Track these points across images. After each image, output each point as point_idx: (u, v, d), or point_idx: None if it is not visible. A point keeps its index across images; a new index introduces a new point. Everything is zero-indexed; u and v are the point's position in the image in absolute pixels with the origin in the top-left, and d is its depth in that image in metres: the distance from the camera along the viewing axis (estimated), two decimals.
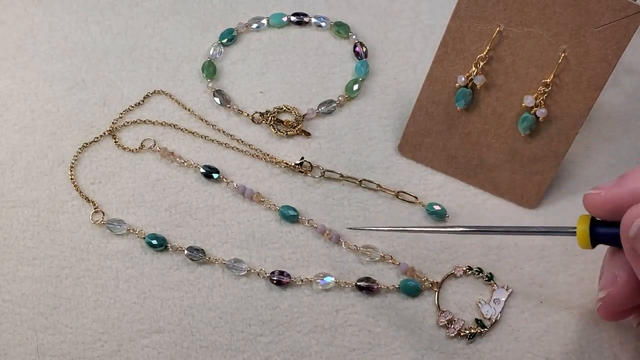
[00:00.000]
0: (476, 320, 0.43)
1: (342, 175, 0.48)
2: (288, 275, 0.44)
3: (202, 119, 0.50)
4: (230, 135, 0.50)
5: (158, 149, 0.49)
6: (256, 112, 0.50)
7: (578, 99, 0.43)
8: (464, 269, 0.44)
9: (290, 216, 0.46)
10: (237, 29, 0.54)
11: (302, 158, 0.48)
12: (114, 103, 0.51)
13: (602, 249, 0.37)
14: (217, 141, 0.49)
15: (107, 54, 0.53)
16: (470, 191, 0.48)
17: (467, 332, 0.42)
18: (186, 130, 0.50)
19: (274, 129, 0.50)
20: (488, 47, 0.44)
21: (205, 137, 0.49)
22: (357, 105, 0.51)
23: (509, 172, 0.46)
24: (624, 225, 0.32)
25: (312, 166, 0.48)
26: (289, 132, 0.49)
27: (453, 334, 0.42)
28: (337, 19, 0.55)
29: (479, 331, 0.42)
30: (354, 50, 0.53)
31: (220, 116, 0.51)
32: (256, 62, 0.53)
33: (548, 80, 0.43)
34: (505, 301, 0.43)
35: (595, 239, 0.35)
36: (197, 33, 0.54)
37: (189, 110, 0.51)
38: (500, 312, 0.43)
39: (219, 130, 0.50)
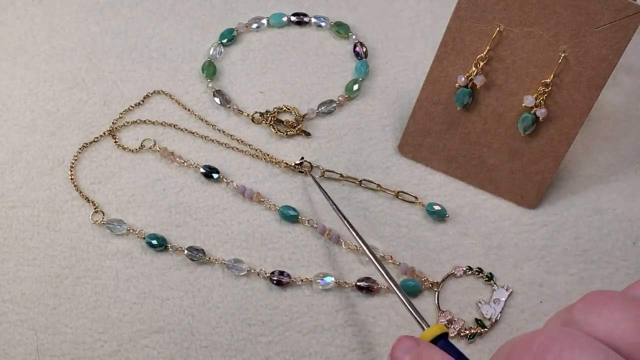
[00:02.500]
0: (476, 320, 0.43)
1: (342, 175, 0.48)
2: (288, 275, 0.44)
3: (202, 119, 0.50)
4: (230, 135, 0.50)
5: (158, 149, 0.49)
6: (256, 112, 0.50)
7: (578, 99, 0.43)
8: (464, 269, 0.44)
9: (290, 216, 0.46)
10: (237, 29, 0.54)
11: (302, 158, 0.48)
12: (114, 103, 0.51)
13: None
14: (217, 141, 0.49)
15: (107, 54, 0.53)
16: (470, 191, 0.48)
17: (467, 332, 0.42)
18: (186, 130, 0.50)
19: (274, 129, 0.50)
20: (488, 47, 0.44)
21: (205, 137, 0.49)
22: (357, 105, 0.51)
23: (509, 172, 0.46)
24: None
25: (312, 166, 0.48)
26: (289, 132, 0.49)
27: (453, 334, 0.42)
28: (337, 19, 0.55)
29: (479, 331, 0.42)
30: (354, 50, 0.53)
31: (220, 116, 0.51)
32: (256, 62, 0.53)
33: (548, 80, 0.43)
34: (505, 301, 0.43)
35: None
36: (197, 33, 0.54)
37: (189, 110, 0.51)
38: (500, 312, 0.43)
39: (219, 130, 0.50)
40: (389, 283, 0.37)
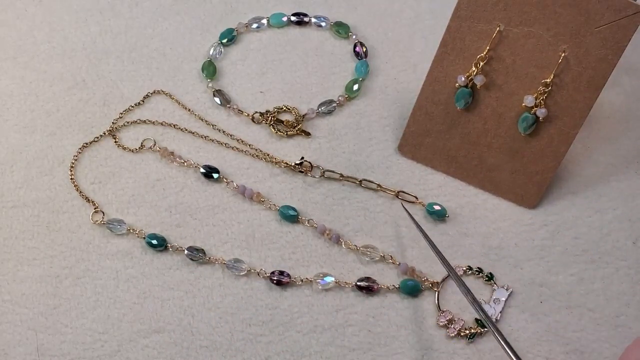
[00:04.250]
0: (476, 320, 0.43)
1: (342, 175, 0.48)
2: (288, 275, 0.44)
3: (202, 119, 0.50)
4: (230, 135, 0.50)
5: (158, 149, 0.49)
6: (256, 112, 0.50)
7: (578, 99, 0.43)
8: (464, 269, 0.44)
9: (290, 216, 0.46)
10: (237, 29, 0.54)
11: (302, 158, 0.48)
12: (114, 103, 0.51)
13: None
14: (217, 141, 0.49)
15: (107, 54, 0.53)
16: (470, 191, 0.48)
17: (467, 332, 0.42)
18: (186, 130, 0.50)
19: (274, 129, 0.50)
20: (488, 47, 0.44)
21: (205, 137, 0.49)
22: (357, 105, 0.51)
23: (509, 172, 0.46)
24: None
25: (312, 166, 0.48)
26: (289, 132, 0.49)
27: (453, 334, 0.42)
28: (337, 19, 0.55)
29: (479, 331, 0.42)
30: (354, 50, 0.53)
31: (220, 116, 0.51)
32: (256, 62, 0.53)
33: (548, 80, 0.43)
34: (505, 301, 0.43)
35: None
36: (197, 33, 0.54)
37: (189, 110, 0.51)
38: (500, 312, 0.43)
39: (219, 130, 0.50)
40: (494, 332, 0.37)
